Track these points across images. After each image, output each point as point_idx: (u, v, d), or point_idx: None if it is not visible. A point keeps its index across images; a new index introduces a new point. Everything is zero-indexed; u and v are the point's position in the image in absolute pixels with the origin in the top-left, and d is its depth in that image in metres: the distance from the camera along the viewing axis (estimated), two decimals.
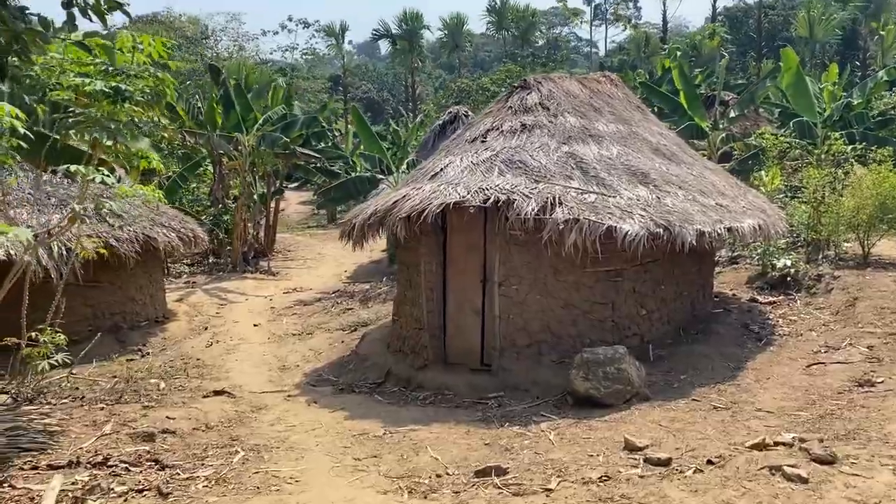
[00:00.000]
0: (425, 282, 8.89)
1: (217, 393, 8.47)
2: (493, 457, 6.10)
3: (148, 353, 11.66)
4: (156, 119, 20.44)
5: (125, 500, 5.02)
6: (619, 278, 8.56)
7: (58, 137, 6.79)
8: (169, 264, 20.97)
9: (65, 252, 9.57)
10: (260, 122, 20.88)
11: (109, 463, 5.84)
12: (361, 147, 20.67)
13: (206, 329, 13.58)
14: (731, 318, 10.16)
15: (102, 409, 7.52)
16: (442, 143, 13.02)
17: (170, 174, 21.43)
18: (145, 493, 5.23)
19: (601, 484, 5.26)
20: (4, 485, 5.22)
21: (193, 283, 19.34)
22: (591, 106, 10.04)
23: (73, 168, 6.16)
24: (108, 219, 12.21)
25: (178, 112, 22.05)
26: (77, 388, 8.87)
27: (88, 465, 5.76)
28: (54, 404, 7.89)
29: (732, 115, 19.99)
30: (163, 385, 8.96)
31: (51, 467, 5.68)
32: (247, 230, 21.85)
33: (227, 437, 6.90)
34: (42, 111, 8.43)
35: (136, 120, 7.20)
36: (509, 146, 9.08)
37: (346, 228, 9.57)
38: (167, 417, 7.24)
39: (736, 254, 13.68)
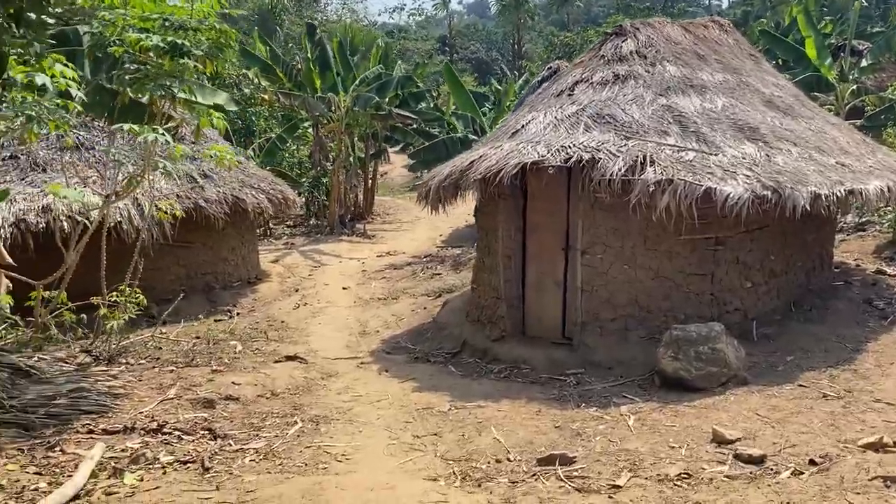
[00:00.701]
0: (503, 249, 8.32)
1: (289, 358, 8.30)
2: (561, 442, 5.55)
3: (237, 314, 11.74)
4: (252, 77, 20.46)
5: (164, 472, 4.83)
6: (719, 247, 7.66)
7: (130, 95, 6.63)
8: (271, 226, 21.43)
9: (155, 213, 9.59)
10: (356, 82, 20.69)
11: (164, 430, 5.72)
12: (453, 106, 20.08)
13: (296, 291, 13.61)
14: (852, 293, 9.00)
15: (172, 371, 7.48)
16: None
17: (270, 136, 21.71)
18: (189, 465, 5.04)
19: (677, 484, 4.61)
20: (56, 449, 5.17)
21: (292, 244, 19.58)
22: (694, 54, 9.02)
23: (125, 126, 5.98)
24: (198, 179, 12.39)
25: (276, 73, 22.23)
26: (159, 349, 8.94)
27: (143, 432, 5.65)
28: (132, 365, 7.94)
29: (864, 64, 17.94)
30: (240, 348, 8.90)
31: (106, 432, 5.61)
32: (344, 193, 21.91)
33: (289, 405, 6.68)
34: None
35: (197, 75, 6.90)
36: (598, 99, 8.28)
37: (421, 191, 9.11)
38: (233, 383, 7.10)
39: (864, 220, 12.27)
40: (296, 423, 6.11)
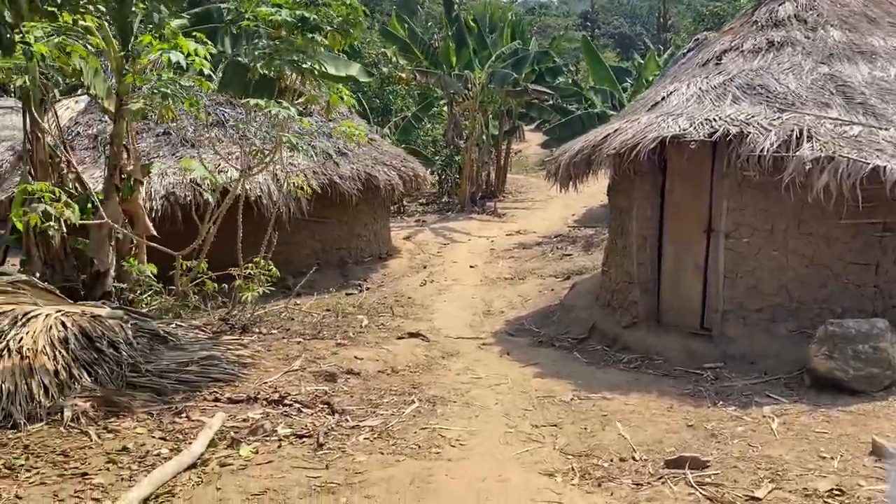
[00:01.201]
0: (638, 229, 7.80)
1: (412, 335, 8.23)
2: (694, 443, 5.08)
3: (366, 289, 11.89)
4: (391, 56, 20.62)
5: (279, 446, 4.84)
6: (887, 233, 6.76)
7: (264, 70, 6.72)
8: (404, 203, 21.70)
9: (292, 188, 9.79)
10: (492, 59, 20.39)
11: (286, 401, 5.77)
12: (592, 82, 19.31)
13: (424, 268, 13.63)
14: None
15: (299, 343, 7.59)
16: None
17: (406, 114, 21.89)
18: (304, 439, 5.02)
19: (828, 501, 4.05)
20: (182, 415, 5.33)
21: (423, 221, 19.71)
22: (864, 16, 8.01)
23: (252, 102, 6.02)
24: (333, 156, 12.61)
25: (414, 52, 22.33)
26: (291, 319, 9.17)
27: (265, 402, 5.73)
28: (263, 334, 8.16)
29: None
30: (365, 322, 8.95)
31: (231, 401, 5.74)
32: (476, 171, 21.76)
33: (408, 383, 6.58)
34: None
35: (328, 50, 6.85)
36: (749, 68, 7.54)
37: (550, 168, 8.72)
38: (355, 357, 7.11)
39: None
40: (413, 402, 5.99)
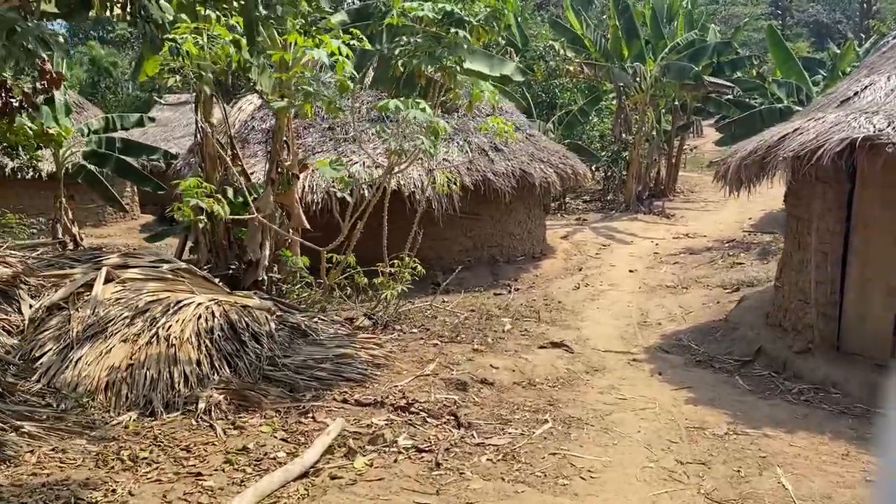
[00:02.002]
0: (817, 243, 6.83)
1: (555, 345, 7.80)
2: None
3: (515, 290, 11.57)
4: (559, 49, 20.03)
5: (396, 460, 4.63)
6: None
7: (405, 67, 6.59)
8: (566, 200, 21.11)
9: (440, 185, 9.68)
10: (665, 50, 19.24)
11: (412, 409, 5.59)
12: (777, 73, 17.60)
13: (579, 270, 13.08)
14: None
15: (436, 345, 7.42)
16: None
17: (570, 109, 21.24)
18: (423, 454, 4.80)
19: None
20: (308, 415, 5.29)
21: (584, 220, 19.05)
22: None
23: (390, 104, 5.86)
24: (488, 152, 12.38)
25: (583, 44, 21.61)
26: (435, 318, 9.05)
27: (391, 408, 5.58)
28: (403, 333, 8.09)
29: None
30: (508, 327, 8.62)
31: (358, 403, 5.65)
32: (645, 168, 20.71)
33: (545, 399, 6.18)
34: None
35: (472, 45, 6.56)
36: None
37: (719, 169, 7.89)
38: (491, 366, 6.81)
39: None
40: (546, 421, 5.59)
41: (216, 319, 6.31)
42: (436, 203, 11.42)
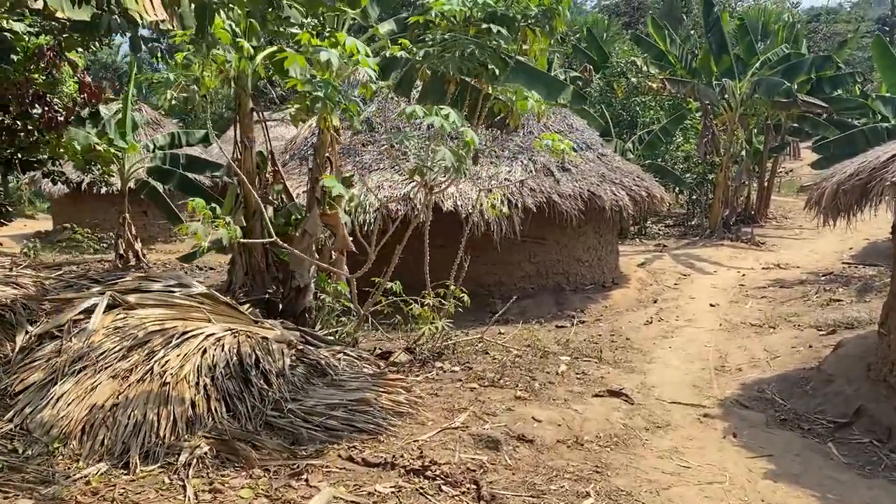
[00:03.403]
0: None
1: (613, 393, 6.79)
2: None
3: (581, 322, 10.58)
4: (641, 65, 18.86)
5: None
6: None
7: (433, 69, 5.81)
8: (646, 224, 19.87)
9: (488, 208, 8.89)
10: (756, 65, 17.84)
11: (428, 472, 4.75)
12: (883, 89, 15.90)
13: (654, 302, 11.96)
14: None
15: (473, 389, 6.55)
16: None
17: (651, 128, 20.03)
18: None
19: None
20: (301, 478, 4.53)
21: (664, 246, 17.82)
22: None
23: (408, 109, 5.08)
24: (555, 172, 11.47)
25: (668, 60, 20.44)
26: (485, 353, 8.21)
27: (402, 470, 4.76)
28: (443, 371, 7.29)
29: None
30: (563, 368, 7.67)
31: (366, 463, 4.85)
32: (733, 191, 19.27)
33: (592, 463, 5.23)
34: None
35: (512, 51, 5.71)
36: None
37: (812, 195, 6.74)
38: (533, 418, 5.90)
39: None
40: (587, 495, 4.66)
41: (223, 353, 5.68)
42: (494, 226, 10.61)
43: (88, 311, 5.74)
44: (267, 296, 8.76)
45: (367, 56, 4.89)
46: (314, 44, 4.80)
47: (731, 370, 8.12)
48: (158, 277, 6.84)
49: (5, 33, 8.55)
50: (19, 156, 9.65)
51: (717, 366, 8.29)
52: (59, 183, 13.98)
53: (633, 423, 6.16)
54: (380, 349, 7.89)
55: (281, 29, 5.80)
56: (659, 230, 20.27)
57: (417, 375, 6.98)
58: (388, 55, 6.18)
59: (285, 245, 7.66)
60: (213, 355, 5.61)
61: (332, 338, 7.37)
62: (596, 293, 12.05)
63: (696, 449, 5.67)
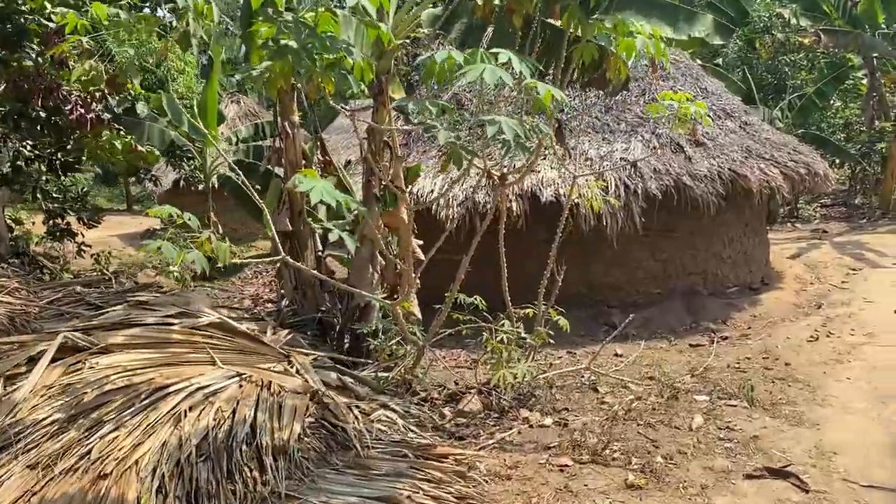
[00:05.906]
0: None
1: (773, 472, 4.60)
2: None
3: (723, 338, 8.32)
4: (788, 18, 15.87)
5: None
6: None
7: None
8: (798, 205, 16.96)
9: (584, 199, 6.90)
10: None
11: None
12: None
13: (818, 308, 9.45)
14: None
15: (563, 469, 4.59)
16: None
17: (804, 92, 16.99)
18: None
19: None
20: None
21: (823, 231, 14.92)
22: None
23: (438, 57, 3.20)
24: (685, 147, 9.19)
25: (822, 9, 17.24)
26: (595, 392, 6.25)
27: None
28: (529, 426, 5.39)
29: None
30: (700, 420, 5.54)
31: None
32: None
33: None
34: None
35: None
36: None
37: None
38: None
39: None
40: None
41: (209, 419, 4.07)
42: (607, 218, 8.52)
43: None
44: (320, 314, 7.20)
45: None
46: None
47: None
48: (158, 305, 5.35)
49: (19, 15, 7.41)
50: (59, 156, 8.60)
51: None
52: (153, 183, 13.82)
53: None
54: (451, 387, 6.08)
55: None
56: (814, 212, 17.22)
57: (491, 435, 5.10)
58: None
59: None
60: (191, 424, 4.00)
61: (378, 380, 5.62)
62: (740, 297, 9.68)
63: None
